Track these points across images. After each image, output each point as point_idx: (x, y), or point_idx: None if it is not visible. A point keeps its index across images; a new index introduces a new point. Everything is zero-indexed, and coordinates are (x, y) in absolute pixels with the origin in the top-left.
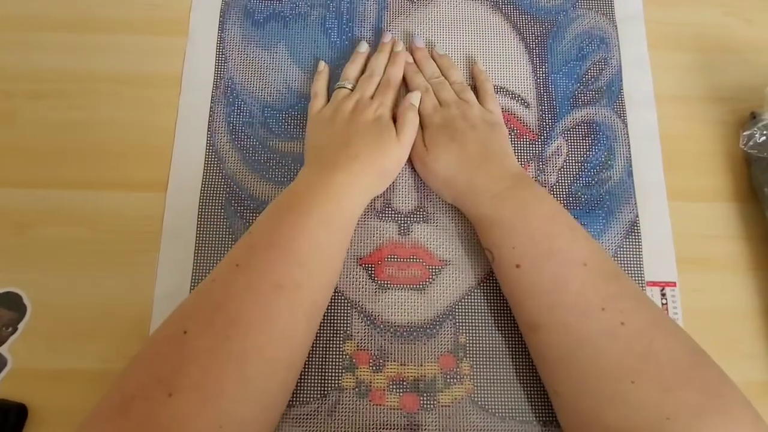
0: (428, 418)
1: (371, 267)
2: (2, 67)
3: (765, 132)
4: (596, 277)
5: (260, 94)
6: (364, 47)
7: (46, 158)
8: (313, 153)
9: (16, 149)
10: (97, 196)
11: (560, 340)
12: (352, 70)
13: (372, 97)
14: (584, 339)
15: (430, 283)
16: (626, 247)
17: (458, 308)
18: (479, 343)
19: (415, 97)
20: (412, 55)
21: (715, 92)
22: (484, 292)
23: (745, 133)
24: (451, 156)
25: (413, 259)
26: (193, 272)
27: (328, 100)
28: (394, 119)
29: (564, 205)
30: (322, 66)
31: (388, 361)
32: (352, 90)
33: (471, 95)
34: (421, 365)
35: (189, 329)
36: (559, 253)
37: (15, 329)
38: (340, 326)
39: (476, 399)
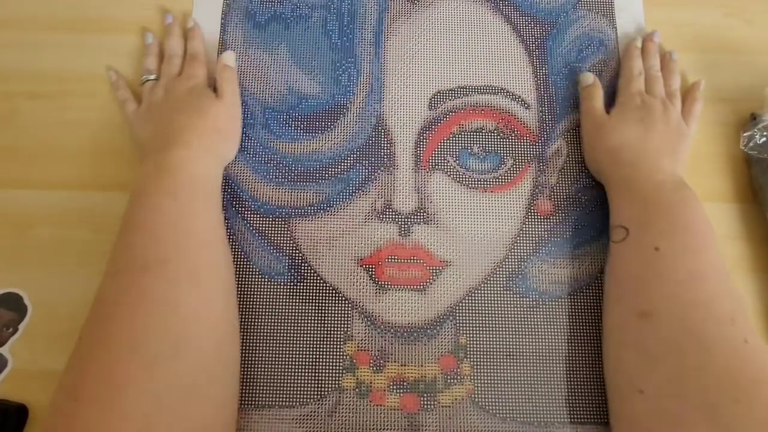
0: (429, 418)
1: (372, 268)
2: (2, 67)
3: (765, 133)
4: (732, 291)
5: (261, 95)
6: (149, 38)
7: (45, 158)
8: (143, 148)
9: (16, 149)
10: (97, 197)
11: (673, 335)
12: (150, 62)
13: (181, 75)
14: (703, 342)
15: (431, 283)
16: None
17: (459, 309)
18: (480, 344)
19: (228, 57)
20: (645, 43)
21: (715, 93)
22: (484, 293)
23: (745, 134)
24: (632, 132)
25: (414, 260)
26: None
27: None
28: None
29: (564, 206)
30: (114, 76)
31: (388, 361)
32: (156, 78)
33: (678, 102)
34: (422, 366)
35: (83, 337)
36: (706, 252)
37: (15, 330)
38: (341, 327)
39: (477, 400)
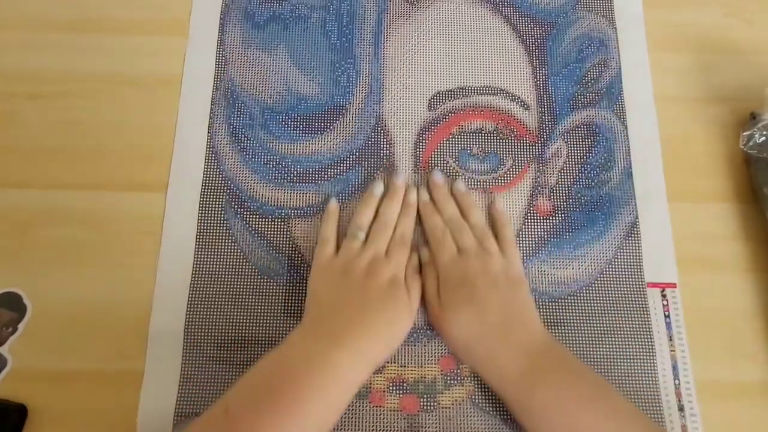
0: (428, 419)
1: None
2: (2, 67)
3: (765, 132)
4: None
5: (260, 96)
6: (379, 188)
7: (46, 158)
8: (316, 309)
9: (16, 149)
10: (97, 197)
11: None
12: (365, 216)
13: (386, 254)
14: None
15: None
16: (626, 249)
17: None
18: None
19: (423, 255)
20: (430, 191)
21: (715, 93)
22: None
23: (744, 134)
24: (469, 319)
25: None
26: (192, 273)
27: (338, 246)
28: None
29: (564, 207)
30: (333, 205)
31: (388, 362)
32: (365, 241)
33: (492, 243)
34: (422, 367)
35: None
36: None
37: (15, 329)
38: None
39: (476, 401)
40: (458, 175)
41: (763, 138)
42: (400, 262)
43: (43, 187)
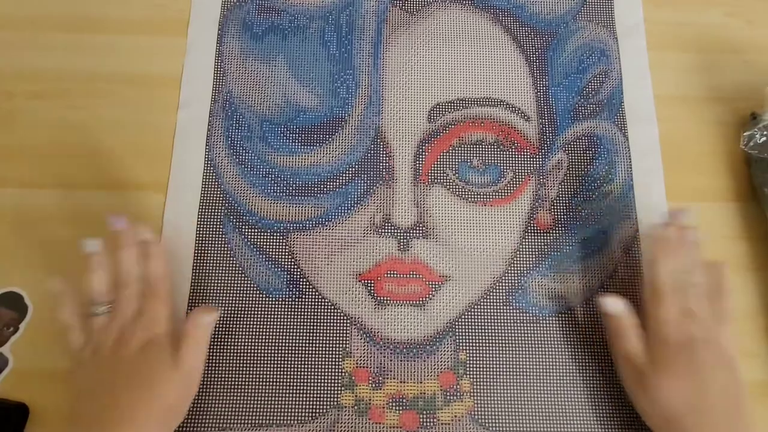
0: None
1: (370, 283)
2: (2, 67)
3: (765, 132)
4: None
5: (259, 107)
6: (93, 246)
7: (46, 158)
8: (76, 412)
9: (16, 149)
10: (97, 196)
11: None
12: (97, 283)
13: (138, 313)
14: None
15: (430, 299)
16: (627, 262)
17: (458, 324)
18: (480, 360)
19: (203, 317)
20: (669, 229)
21: (715, 93)
22: (484, 308)
23: (745, 134)
24: (685, 389)
25: (413, 274)
26: (191, 288)
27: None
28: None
29: (565, 220)
30: (56, 286)
31: (387, 378)
32: (108, 310)
33: (724, 312)
34: (421, 382)
35: None
36: None
37: (16, 329)
38: (339, 343)
39: (476, 417)
40: (461, 189)
41: (764, 138)
42: (154, 318)
43: (44, 186)
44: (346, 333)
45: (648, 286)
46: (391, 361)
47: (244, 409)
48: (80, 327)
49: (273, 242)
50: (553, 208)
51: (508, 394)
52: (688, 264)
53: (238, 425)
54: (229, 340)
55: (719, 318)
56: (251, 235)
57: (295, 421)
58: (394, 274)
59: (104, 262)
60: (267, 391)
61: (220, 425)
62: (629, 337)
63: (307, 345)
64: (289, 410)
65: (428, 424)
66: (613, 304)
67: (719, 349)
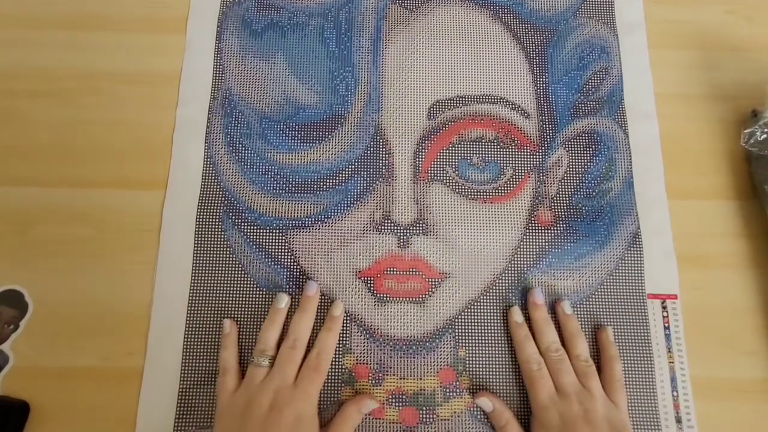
0: (427, 431)
1: (370, 280)
2: (3, 65)
3: (766, 130)
4: None
5: (258, 105)
6: (283, 301)
7: (47, 156)
8: None
9: (17, 148)
10: (97, 195)
11: None
12: (270, 336)
13: (295, 381)
14: None
15: (430, 296)
16: (628, 260)
17: (458, 321)
18: (479, 357)
19: (368, 406)
20: (530, 311)
21: (716, 90)
22: (484, 305)
23: (746, 131)
24: None
25: (413, 271)
26: (191, 285)
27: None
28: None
29: (564, 217)
30: (228, 326)
31: (387, 374)
32: (270, 366)
33: (596, 382)
34: (421, 379)
35: None
36: None
37: (17, 327)
38: (339, 340)
39: (476, 413)
40: (461, 186)
41: (765, 135)
42: (310, 392)
43: (44, 184)
44: (346, 329)
45: (521, 368)
46: (390, 357)
47: None
48: (235, 371)
49: (272, 239)
50: (554, 205)
51: (507, 391)
52: (553, 342)
53: None
54: None
55: (610, 389)
56: (251, 232)
57: None
58: (393, 271)
59: (283, 320)
60: None
61: None
62: (507, 430)
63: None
64: None
65: (428, 420)
66: (486, 404)
67: (597, 424)
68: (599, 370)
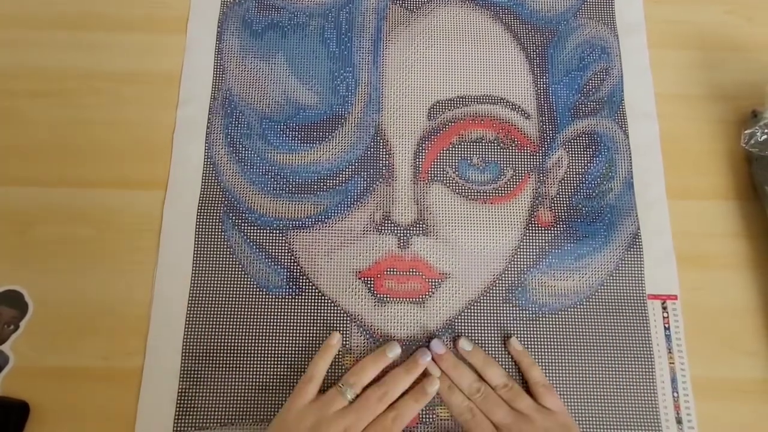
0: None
1: (370, 280)
2: (3, 65)
3: (766, 130)
4: None
5: (258, 105)
6: (394, 352)
7: (47, 156)
8: None
9: (17, 148)
10: (98, 194)
11: None
12: (366, 375)
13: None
14: None
15: (430, 296)
16: (628, 260)
17: (458, 322)
18: None
19: None
20: (438, 363)
21: (716, 90)
22: (484, 306)
23: (746, 132)
24: None
25: (413, 272)
26: (191, 285)
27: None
28: None
29: (565, 218)
30: (335, 340)
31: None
32: (351, 401)
33: (524, 400)
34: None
35: None
36: None
37: (17, 327)
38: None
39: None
40: (461, 186)
41: (765, 136)
42: None
43: (44, 184)
44: (346, 330)
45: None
46: None
47: (244, 406)
48: (318, 384)
49: (272, 239)
50: (554, 206)
51: None
52: (471, 383)
53: (238, 421)
54: (229, 337)
55: (537, 396)
56: (251, 232)
57: None
58: (393, 271)
59: (382, 366)
60: (267, 387)
61: (221, 421)
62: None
63: (306, 342)
64: None
65: (428, 420)
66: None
67: None
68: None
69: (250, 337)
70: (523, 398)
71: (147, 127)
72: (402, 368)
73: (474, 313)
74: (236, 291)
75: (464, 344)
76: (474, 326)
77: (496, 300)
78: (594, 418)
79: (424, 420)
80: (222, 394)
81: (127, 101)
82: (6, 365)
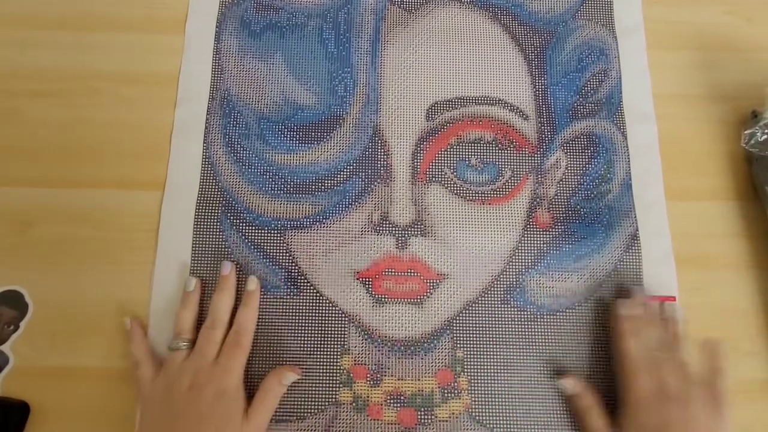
0: None
1: (368, 281)
2: (3, 65)
3: (766, 130)
4: None
5: (256, 105)
6: (191, 285)
7: (47, 157)
8: None
9: (17, 148)
10: (97, 195)
11: None
12: (184, 319)
13: (217, 358)
14: None
15: (428, 297)
16: (626, 261)
17: (456, 322)
18: (477, 358)
19: (288, 376)
20: (629, 307)
21: (716, 91)
22: (482, 306)
23: (746, 132)
24: None
25: (411, 272)
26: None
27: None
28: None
29: (563, 219)
30: (129, 323)
31: (385, 375)
32: (190, 349)
33: (704, 393)
34: (419, 380)
35: None
36: None
37: (17, 327)
38: (337, 340)
39: (474, 414)
40: (459, 187)
41: (765, 136)
42: (231, 370)
43: (44, 185)
44: (344, 330)
45: (619, 365)
46: (389, 358)
47: None
48: (149, 360)
49: (270, 240)
50: (552, 207)
51: (506, 392)
52: (660, 338)
53: None
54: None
55: (714, 401)
56: (249, 232)
57: (294, 418)
58: (392, 272)
59: (196, 301)
60: None
61: None
62: (591, 415)
63: (304, 342)
64: (287, 407)
65: (426, 421)
66: (572, 386)
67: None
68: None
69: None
70: (705, 391)
71: (145, 127)
72: (214, 291)
73: (472, 314)
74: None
75: (675, 311)
76: (472, 327)
77: (494, 301)
78: None
79: (422, 421)
80: None
81: (125, 101)
82: (6, 365)
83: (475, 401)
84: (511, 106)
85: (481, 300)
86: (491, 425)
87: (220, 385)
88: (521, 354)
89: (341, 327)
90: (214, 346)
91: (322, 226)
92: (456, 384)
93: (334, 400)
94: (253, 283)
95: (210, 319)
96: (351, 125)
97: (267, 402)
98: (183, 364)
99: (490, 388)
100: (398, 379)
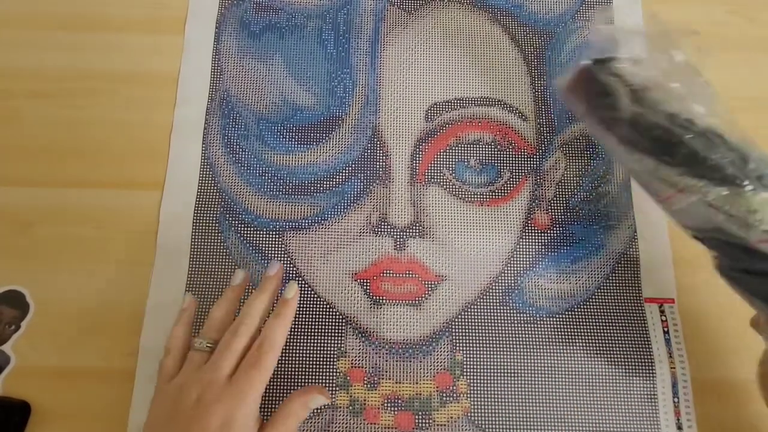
0: None
1: (366, 282)
2: (3, 65)
3: None
4: None
5: (256, 106)
6: (239, 277)
7: (47, 157)
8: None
9: (17, 148)
10: (96, 195)
11: None
12: (218, 314)
13: (234, 374)
14: None
15: (426, 298)
16: (624, 263)
17: (455, 324)
18: (476, 361)
19: (316, 401)
20: None
21: (717, 91)
22: (481, 308)
23: None
24: None
25: (409, 274)
26: (187, 285)
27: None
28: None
29: (561, 220)
30: (187, 303)
31: (382, 378)
32: (211, 351)
33: None
34: (417, 383)
35: None
36: None
37: (18, 327)
38: (334, 343)
39: (473, 418)
40: (458, 189)
41: None
42: (245, 393)
43: (45, 185)
44: (341, 332)
45: None
46: (386, 361)
47: None
48: (179, 354)
49: (269, 241)
50: (551, 208)
51: (505, 396)
52: None
53: None
54: None
55: None
56: (247, 233)
57: None
58: (390, 273)
59: (237, 298)
60: None
61: None
62: None
63: (301, 344)
64: None
65: (424, 425)
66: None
67: None
68: None
69: None
70: None
71: (145, 128)
72: (254, 292)
73: (470, 315)
74: None
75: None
76: (471, 329)
77: (492, 302)
78: (592, 424)
79: (420, 425)
80: None
81: (125, 101)
82: (7, 365)
83: (474, 405)
84: (510, 107)
85: (480, 302)
86: (490, 429)
87: (229, 411)
88: (520, 356)
89: (338, 329)
90: (233, 358)
91: (321, 227)
92: (455, 387)
93: (330, 403)
94: (292, 290)
95: (237, 322)
96: (350, 126)
97: (286, 429)
98: (197, 372)
99: (489, 392)
100: (396, 383)
